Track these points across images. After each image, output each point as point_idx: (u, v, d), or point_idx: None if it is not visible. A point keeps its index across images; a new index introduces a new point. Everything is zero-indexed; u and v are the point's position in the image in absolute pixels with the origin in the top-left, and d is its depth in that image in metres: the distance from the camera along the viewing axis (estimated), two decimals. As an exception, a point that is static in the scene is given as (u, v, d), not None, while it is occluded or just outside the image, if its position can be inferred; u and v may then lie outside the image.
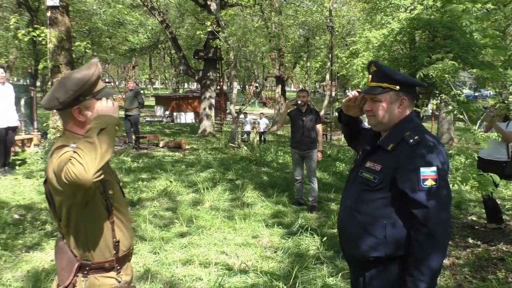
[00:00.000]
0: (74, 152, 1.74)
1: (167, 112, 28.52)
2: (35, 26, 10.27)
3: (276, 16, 27.46)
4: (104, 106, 2.00)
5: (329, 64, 23.88)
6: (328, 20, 27.76)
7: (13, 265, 4.46)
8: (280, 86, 27.78)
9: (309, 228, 5.69)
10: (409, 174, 2.15)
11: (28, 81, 15.92)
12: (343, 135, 2.96)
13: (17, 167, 8.73)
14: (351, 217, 2.36)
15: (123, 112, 13.83)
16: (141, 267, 4.54)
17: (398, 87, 2.30)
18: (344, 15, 33.49)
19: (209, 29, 14.90)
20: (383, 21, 17.53)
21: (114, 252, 2.06)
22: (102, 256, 2.03)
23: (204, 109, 19.75)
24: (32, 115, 12.36)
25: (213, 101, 19.81)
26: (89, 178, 1.69)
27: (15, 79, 23.96)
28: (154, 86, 58.66)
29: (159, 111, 29.13)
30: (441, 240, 2.14)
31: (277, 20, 26.58)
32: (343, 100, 2.66)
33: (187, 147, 14.26)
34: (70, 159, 1.72)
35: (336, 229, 2.77)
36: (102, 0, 17.91)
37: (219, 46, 16.69)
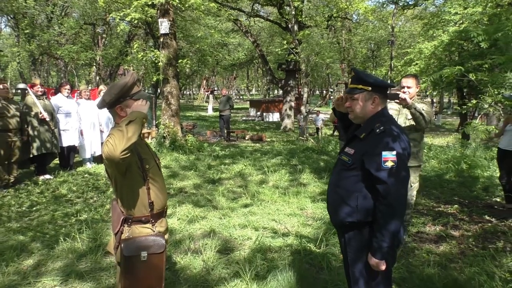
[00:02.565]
0: (110, 136, 1.98)
1: (258, 113, 29.00)
2: (151, 49, 10.98)
3: (346, 34, 26.86)
4: (138, 104, 2.21)
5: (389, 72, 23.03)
6: (391, 36, 26.68)
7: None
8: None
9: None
10: (373, 157, 2.16)
11: (150, 90, 17.02)
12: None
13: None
14: (333, 190, 2.41)
15: (218, 113, 14.39)
16: (208, 228, 4.76)
17: (370, 88, 2.30)
18: (406, 31, 32.01)
19: (285, 47, 15.02)
20: (434, 35, 16.54)
21: (149, 209, 2.27)
22: (140, 212, 2.25)
23: (285, 110, 19.94)
24: (153, 115, 13.29)
25: (293, 103, 19.93)
26: (117, 155, 1.92)
27: (145, 89, 25.57)
28: (250, 93, 59.85)
29: (252, 112, 29.70)
30: (398, 210, 2.14)
31: (346, 37, 26.01)
32: (334, 100, 2.68)
33: (267, 139, 14.48)
34: (106, 141, 1.97)
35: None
36: (209, 27, 18.67)
37: (293, 60, 16.70)
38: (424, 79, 13.25)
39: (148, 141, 11.28)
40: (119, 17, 10.09)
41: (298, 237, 4.44)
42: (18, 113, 6.48)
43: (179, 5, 9.91)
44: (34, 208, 5.44)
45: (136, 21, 10.85)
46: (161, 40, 10.47)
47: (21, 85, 7.56)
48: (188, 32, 18.38)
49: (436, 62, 15.24)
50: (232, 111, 15.25)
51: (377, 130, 2.21)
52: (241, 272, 3.52)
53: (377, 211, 2.15)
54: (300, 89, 21.98)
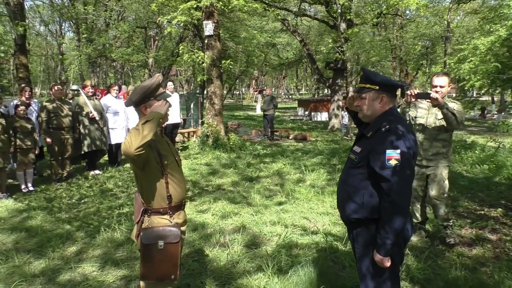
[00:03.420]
0: (128, 134, 2.18)
1: (306, 112, 28.92)
2: (195, 50, 11.34)
3: (398, 31, 26.06)
4: (156, 105, 2.39)
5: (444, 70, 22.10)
6: (446, 31, 25.56)
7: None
8: (399, 89, 26.43)
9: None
10: (378, 155, 2.20)
11: (198, 90, 17.52)
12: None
13: (180, 152, 9.81)
14: (342, 188, 2.46)
15: (262, 112, 14.54)
16: (239, 223, 4.91)
17: (378, 87, 2.33)
18: (464, 26, 30.48)
19: (330, 45, 14.91)
20: (491, 30, 15.65)
21: (168, 202, 2.44)
22: (159, 204, 2.42)
23: (333, 109, 19.74)
24: (199, 114, 13.72)
25: (340, 103, 19.67)
26: (131, 151, 2.10)
27: (195, 88, 26.30)
28: (300, 92, 59.62)
29: (300, 111, 29.67)
30: (401, 207, 2.16)
31: (398, 34, 25.26)
32: (347, 98, 2.73)
33: (312, 139, 14.43)
34: (125, 139, 2.18)
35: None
36: (255, 28, 18.90)
37: (340, 59, 16.46)
38: (478, 77, 12.63)
39: (193, 139, 11.70)
40: (166, 20, 10.52)
41: (326, 235, 4.47)
42: (70, 113, 7.03)
43: (222, 7, 10.16)
44: (83, 201, 5.90)
45: (182, 24, 11.24)
46: (206, 41, 10.79)
47: (74, 87, 8.17)
48: (235, 32, 18.75)
49: (493, 59, 14.45)
50: (280, 110, 15.36)
51: (383, 129, 2.24)
52: (264, 266, 3.64)
53: (381, 208, 2.19)
54: (348, 89, 21.62)
